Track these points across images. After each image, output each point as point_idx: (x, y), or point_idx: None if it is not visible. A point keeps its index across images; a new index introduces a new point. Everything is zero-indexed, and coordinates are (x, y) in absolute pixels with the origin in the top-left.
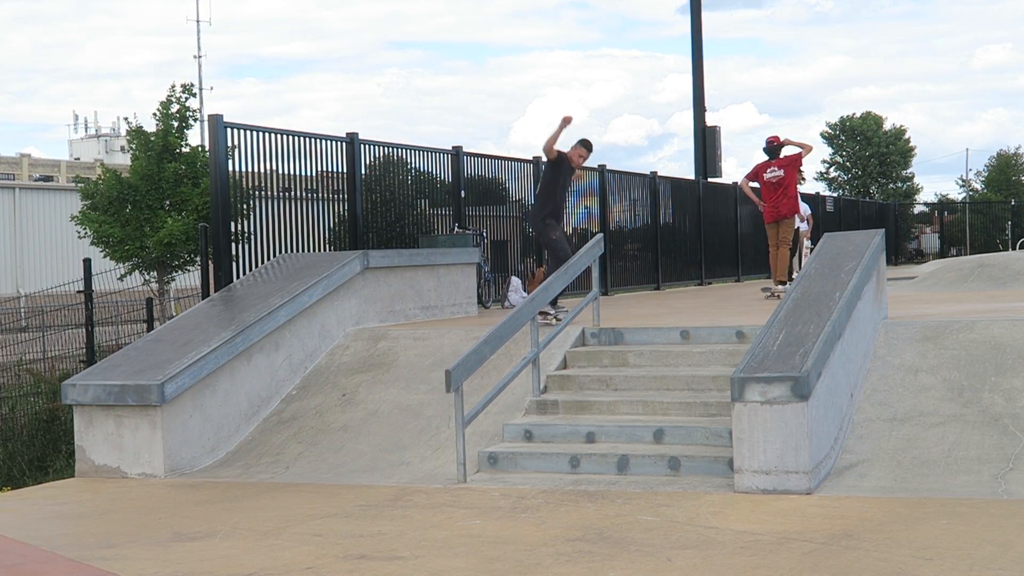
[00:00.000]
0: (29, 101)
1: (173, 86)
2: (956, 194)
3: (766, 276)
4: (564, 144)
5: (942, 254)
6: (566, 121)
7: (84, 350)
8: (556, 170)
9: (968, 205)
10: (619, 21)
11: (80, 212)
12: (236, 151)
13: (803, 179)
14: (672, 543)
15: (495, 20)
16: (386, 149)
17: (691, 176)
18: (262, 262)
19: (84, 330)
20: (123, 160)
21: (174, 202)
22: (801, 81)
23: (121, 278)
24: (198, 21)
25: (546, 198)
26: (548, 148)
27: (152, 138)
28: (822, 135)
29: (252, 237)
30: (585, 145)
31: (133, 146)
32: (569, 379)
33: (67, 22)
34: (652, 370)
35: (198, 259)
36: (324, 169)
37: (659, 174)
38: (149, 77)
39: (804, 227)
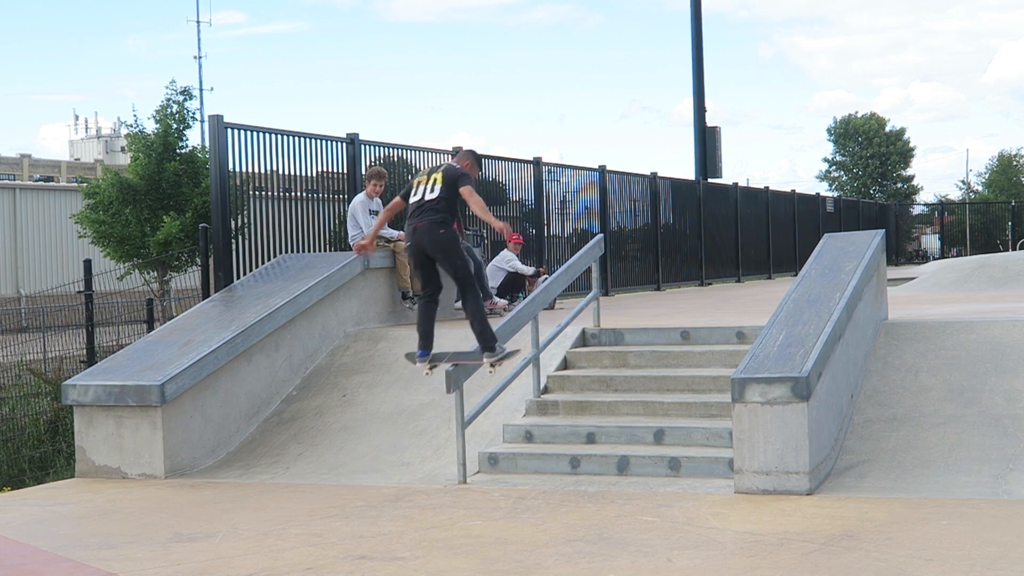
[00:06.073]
0: (30, 101)
1: (173, 81)
2: (955, 196)
3: (766, 276)
4: None
5: (942, 255)
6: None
7: (84, 351)
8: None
9: (968, 206)
10: None
11: (81, 212)
12: (236, 152)
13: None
14: (672, 543)
15: None
16: (386, 149)
17: (690, 176)
18: (262, 262)
19: (84, 330)
20: (124, 160)
21: (175, 202)
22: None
23: (121, 278)
24: (198, 22)
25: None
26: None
27: (153, 139)
28: (828, 131)
29: (252, 237)
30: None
31: (133, 148)
32: (569, 379)
33: (69, 22)
34: (652, 371)
35: (197, 259)
36: (324, 169)
37: (659, 174)
38: (150, 78)
39: None
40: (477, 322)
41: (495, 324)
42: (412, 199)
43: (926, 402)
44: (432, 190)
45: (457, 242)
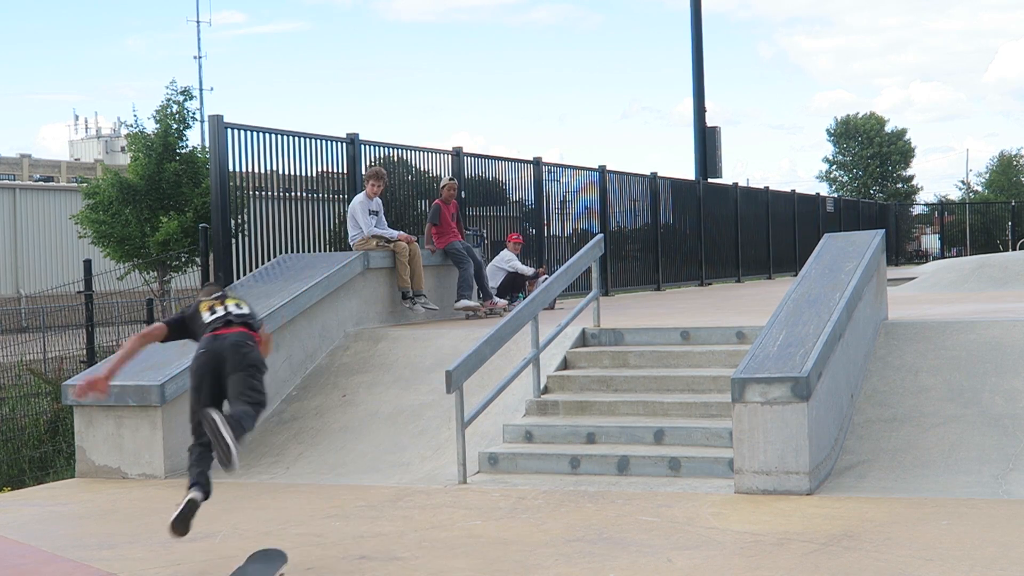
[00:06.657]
0: (30, 101)
1: (173, 81)
2: (955, 196)
3: (766, 276)
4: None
5: (942, 255)
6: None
7: (84, 351)
8: None
9: (968, 206)
10: None
11: (80, 212)
12: (236, 152)
13: None
14: (672, 543)
15: None
16: (386, 149)
17: (690, 176)
18: (262, 262)
19: (84, 331)
20: (124, 160)
21: (175, 202)
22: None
23: (120, 278)
24: (198, 22)
25: None
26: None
27: (153, 139)
28: (827, 132)
29: (252, 237)
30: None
31: (133, 148)
32: (569, 379)
33: (69, 22)
34: (652, 371)
35: (197, 259)
36: (324, 169)
37: (659, 174)
38: (150, 78)
39: None
40: (246, 422)
41: (495, 324)
42: (209, 318)
43: (926, 402)
44: (240, 307)
45: (264, 366)
